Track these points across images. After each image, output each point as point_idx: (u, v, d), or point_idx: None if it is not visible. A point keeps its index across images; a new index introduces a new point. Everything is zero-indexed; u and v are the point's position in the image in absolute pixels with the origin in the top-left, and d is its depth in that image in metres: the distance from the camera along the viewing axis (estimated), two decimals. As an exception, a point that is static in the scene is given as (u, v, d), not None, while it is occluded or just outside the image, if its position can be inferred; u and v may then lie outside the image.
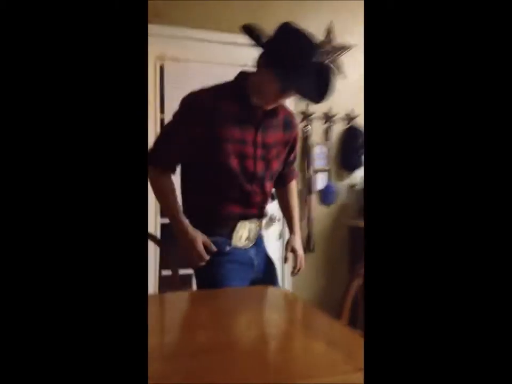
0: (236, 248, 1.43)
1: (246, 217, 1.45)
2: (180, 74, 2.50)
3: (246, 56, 2.56)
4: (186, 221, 1.37)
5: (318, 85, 1.34)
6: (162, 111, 2.48)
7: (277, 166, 1.48)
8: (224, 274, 1.39)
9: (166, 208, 1.40)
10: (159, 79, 2.47)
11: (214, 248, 1.39)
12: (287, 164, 1.57)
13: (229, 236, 1.42)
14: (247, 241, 1.46)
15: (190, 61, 2.51)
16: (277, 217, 2.63)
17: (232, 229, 1.42)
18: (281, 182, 1.61)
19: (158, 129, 2.44)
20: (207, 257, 1.37)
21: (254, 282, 1.49)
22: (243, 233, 1.45)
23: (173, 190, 1.38)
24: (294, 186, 1.66)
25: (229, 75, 2.61)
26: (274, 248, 2.67)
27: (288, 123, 1.50)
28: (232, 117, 1.35)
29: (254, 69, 1.41)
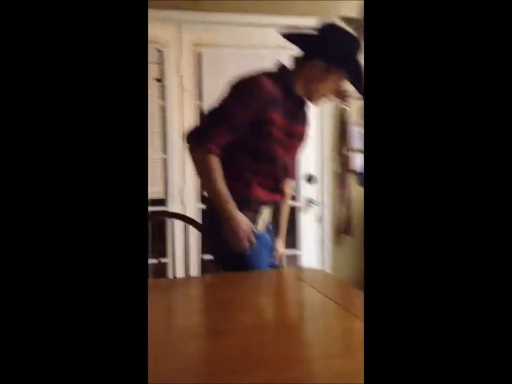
0: (258, 233, 1.47)
1: (269, 203, 1.49)
2: (217, 60, 2.53)
3: (279, 36, 2.56)
4: (233, 203, 1.38)
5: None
6: (200, 98, 2.51)
7: (295, 156, 1.55)
8: (254, 257, 1.42)
9: (213, 190, 1.38)
10: (197, 66, 2.50)
11: (256, 231, 1.42)
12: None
13: (254, 220, 1.45)
14: (264, 226, 1.50)
15: (226, 46, 2.53)
16: (316, 202, 2.64)
17: (257, 213, 1.46)
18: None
19: (197, 116, 2.48)
20: (254, 240, 1.41)
21: (271, 266, 1.54)
22: (265, 217, 1.49)
23: (220, 173, 1.37)
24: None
25: (266, 58, 2.61)
26: (312, 231, 2.68)
27: (306, 116, 1.57)
28: (279, 104, 1.39)
29: (293, 64, 1.47)
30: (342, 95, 2.54)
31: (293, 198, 2.49)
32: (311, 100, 1.48)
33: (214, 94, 2.50)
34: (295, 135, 1.48)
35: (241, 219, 1.38)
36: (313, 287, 1.16)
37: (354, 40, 1.40)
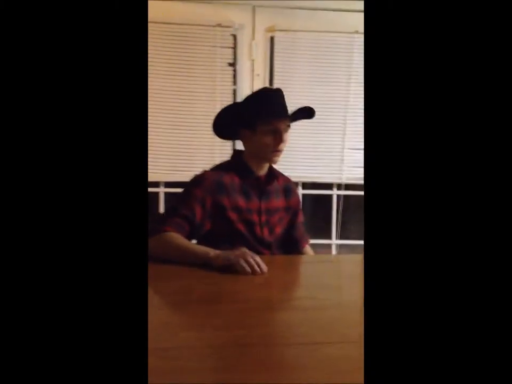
0: None
1: None
2: (290, 46, 2.49)
3: (357, 21, 2.48)
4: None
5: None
6: (271, 83, 2.50)
7: (279, 231, 1.51)
8: None
9: (187, 254, 1.26)
10: (269, 51, 2.49)
11: None
12: (295, 227, 1.57)
13: None
14: None
15: (299, 30, 2.48)
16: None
17: None
18: (296, 248, 1.58)
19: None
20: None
21: None
22: None
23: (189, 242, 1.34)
24: (310, 251, 1.61)
25: (338, 43, 2.53)
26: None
27: (289, 189, 1.56)
28: (237, 188, 1.42)
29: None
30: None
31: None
32: (272, 158, 1.45)
33: (286, 80, 2.53)
34: (271, 210, 1.49)
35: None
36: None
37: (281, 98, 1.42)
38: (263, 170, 1.48)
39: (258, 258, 1.16)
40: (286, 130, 1.40)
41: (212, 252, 1.21)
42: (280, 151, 1.41)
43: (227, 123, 1.45)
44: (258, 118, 1.39)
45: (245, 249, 1.19)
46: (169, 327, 0.85)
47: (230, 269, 1.15)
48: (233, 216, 1.40)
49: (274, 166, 1.54)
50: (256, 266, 1.14)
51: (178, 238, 1.29)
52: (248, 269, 1.13)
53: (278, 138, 1.38)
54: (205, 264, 1.19)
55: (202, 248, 1.25)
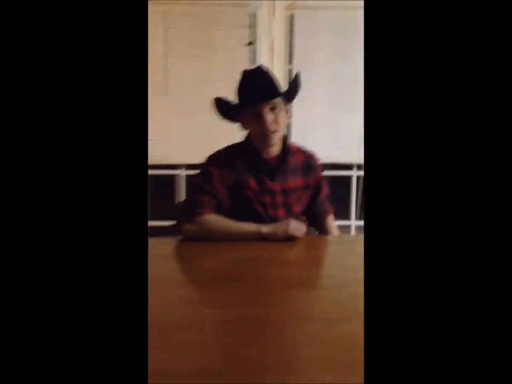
0: None
1: None
2: (309, 23, 2.45)
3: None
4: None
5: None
6: (290, 61, 2.47)
7: (298, 209, 1.49)
8: None
9: (237, 233, 1.34)
10: (289, 29, 2.45)
11: None
12: (316, 203, 1.53)
13: None
14: None
15: (318, 8, 2.44)
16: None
17: None
18: (316, 221, 1.56)
19: (287, 80, 2.45)
20: None
21: None
22: None
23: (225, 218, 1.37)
24: (331, 222, 1.58)
25: (357, 20, 2.48)
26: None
27: (309, 166, 1.51)
28: (247, 169, 1.42)
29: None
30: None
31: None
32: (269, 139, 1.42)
33: (305, 57, 2.49)
34: (288, 190, 1.48)
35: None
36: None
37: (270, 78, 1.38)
38: (273, 151, 1.44)
39: (299, 223, 1.35)
40: (274, 110, 1.36)
41: (264, 227, 1.32)
42: (272, 131, 1.37)
43: (226, 108, 1.43)
44: (240, 104, 1.39)
45: (290, 220, 1.35)
46: (188, 304, 0.87)
47: (286, 239, 1.31)
48: (250, 195, 1.41)
49: (293, 143, 1.52)
50: (302, 230, 1.34)
51: (219, 218, 1.35)
52: (300, 234, 1.32)
53: (261, 121, 1.35)
54: (257, 239, 1.30)
55: (251, 226, 1.33)
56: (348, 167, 2.62)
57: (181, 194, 2.56)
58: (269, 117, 1.34)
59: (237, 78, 1.38)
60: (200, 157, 1.44)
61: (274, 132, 1.37)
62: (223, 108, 1.43)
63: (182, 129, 2.45)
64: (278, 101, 1.37)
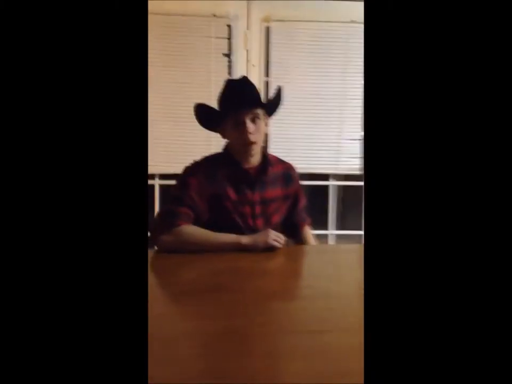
0: None
1: None
2: (286, 36, 2.48)
3: (353, 11, 2.47)
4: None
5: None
6: (267, 74, 2.49)
7: (277, 220, 1.50)
8: None
9: (216, 244, 1.32)
10: (264, 41, 2.47)
11: None
12: (294, 214, 1.55)
13: None
14: None
15: (296, 20, 2.47)
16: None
17: None
18: (294, 232, 1.57)
19: (264, 93, 2.46)
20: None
21: None
22: None
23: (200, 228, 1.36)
24: (308, 232, 1.60)
25: (334, 33, 2.51)
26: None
27: (288, 177, 1.53)
28: (226, 180, 1.41)
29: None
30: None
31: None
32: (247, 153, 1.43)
33: (282, 70, 2.51)
34: (267, 200, 1.47)
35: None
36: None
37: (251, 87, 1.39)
38: (253, 162, 1.44)
39: (278, 234, 1.34)
40: (256, 120, 1.36)
41: (243, 238, 1.32)
42: (253, 141, 1.37)
43: (209, 115, 1.43)
44: (222, 112, 1.39)
45: (268, 231, 1.34)
46: (168, 317, 0.85)
47: (265, 249, 1.31)
48: (229, 206, 1.41)
49: (272, 154, 1.53)
50: (280, 241, 1.33)
51: (197, 229, 1.34)
52: (278, 245, 1.32)
53: (243, 130, 1.35)
54: (236, 249, 1.30)
55: (230, 236, 1.32)
56: (325, 177, 2.65)
57: (155, 204, 2.53)
58: (251, 126, 1.35)
59: (213, 88, 1.39)
60: (175, 167, 1.43)
61: (254, 142, 1.38)
62: (205, 115, 1.42)
63: (157, 139, 2.43)
64: (260, 112, 1.38)
